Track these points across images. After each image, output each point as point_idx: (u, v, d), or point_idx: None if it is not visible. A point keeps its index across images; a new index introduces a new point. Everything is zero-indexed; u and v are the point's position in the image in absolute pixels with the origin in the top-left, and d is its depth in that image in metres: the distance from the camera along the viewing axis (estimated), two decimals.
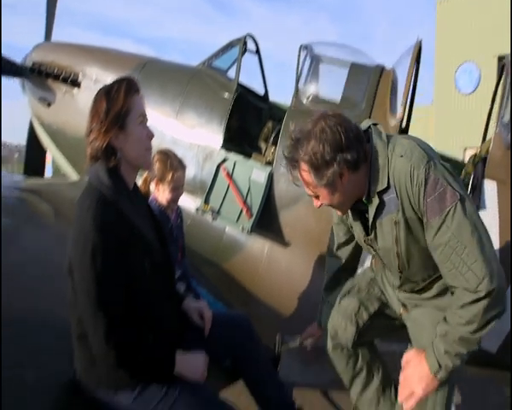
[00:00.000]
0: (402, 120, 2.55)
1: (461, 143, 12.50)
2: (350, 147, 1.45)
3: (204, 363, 1.64)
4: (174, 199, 2.30)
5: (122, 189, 1.56)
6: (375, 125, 1.58)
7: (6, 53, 4.28)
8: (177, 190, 2.29)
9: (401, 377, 1.51)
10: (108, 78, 3.51)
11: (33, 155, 4.87)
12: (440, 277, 1.56)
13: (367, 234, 1.62)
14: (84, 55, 3.81)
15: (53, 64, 3.90)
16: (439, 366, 1.45)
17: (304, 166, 1.49)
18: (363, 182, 1.53)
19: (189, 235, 2.89)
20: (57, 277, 2.02)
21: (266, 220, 2.78)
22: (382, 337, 1.93)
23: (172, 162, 2.27)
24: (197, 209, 2.87)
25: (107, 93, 1.55)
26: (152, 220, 1.72)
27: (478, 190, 2.37)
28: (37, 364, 1.65)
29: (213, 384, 1.89)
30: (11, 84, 4.64)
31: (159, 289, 1.63)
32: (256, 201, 2.75)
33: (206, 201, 2.87)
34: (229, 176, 2.84)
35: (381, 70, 2.69)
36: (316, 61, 2.90)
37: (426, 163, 1.41)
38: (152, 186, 2.34)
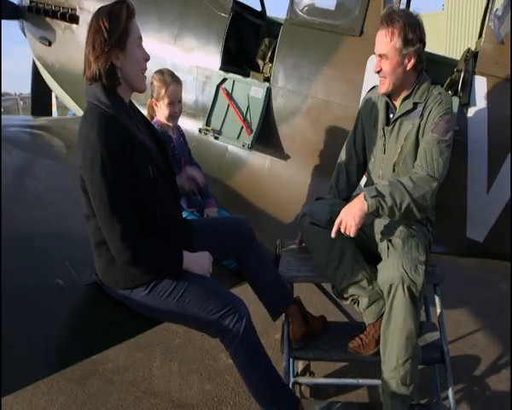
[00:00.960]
0: None
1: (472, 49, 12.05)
2: (424, 48, 1.97)
3: (209, 260, 1.83)
4: (172, 114, 2.41)
5: (119, 105, 1.69)
6: None
7: None
8: (173, 105, 2.39)
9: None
10: None
11: (39, 98, 4.97)
12: None
13: (387, 124, 2.07)
14: None
15: (50, 1, 3.89)
16: (376, 191, 1.85)
17: (398, 27, 1.90)
18: (408, 85, 1.99)
19: (194, 156, 3.06)
20: (73, 201, 2.24)
21: (266, 135, 2.88)
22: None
23: (166, 78, 2.38)
24: (200, 130, 2.98)
25: (109, 14, 1.65)
26: (150, 132, 1.86)
27: (468, 86, 2.40)
28: (65, 272, 1.88)
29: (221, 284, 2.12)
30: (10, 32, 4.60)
31: (164, 193, 1.80)
32: (255, 117, 2.83)
33: (208, 122, 2.97)
34: (229, 95, 2.92)
35: None
36: None
37: (450, 106, 1.98)
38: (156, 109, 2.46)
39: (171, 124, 2.45)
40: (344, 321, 2.42)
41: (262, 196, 2.94)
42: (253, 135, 2.82)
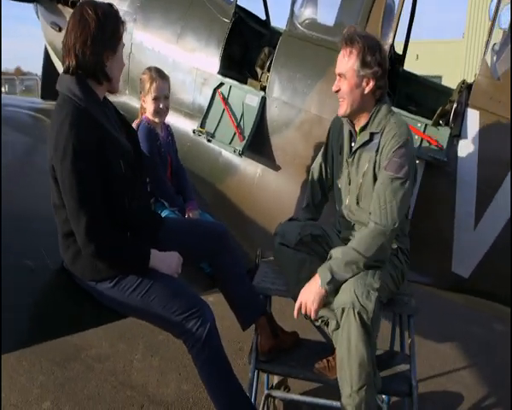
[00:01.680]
0: (392, 46, 2.55)
1: None
2: (384, 74, 1.91)
3: (177, 260, 1.84)
4: (157, 109, 2.43)
5: (93, 100, 1.71)
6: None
7: None
8: (158, 100, 2.42)
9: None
10: (114, 2, 3.54)
11: (49, 81, 5.02)
12: None
13: (349, 156, 2.02)
14: None
15: None
16: (331, 273, 1.81)
17: (357, 48, 1.87)
18: (366, 110, 1.93)
19: (188, 156, 3.06)
20: None
21: (259, 144, 2.88)
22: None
23: (152, 74, 2.43)
24: (194, 131, 2.99)
25: (108, 13, 1.68)
26: (124, 127, 1.87)
27: (460, 118, 2.37)
28: (38, 255, 1.92)
29: (193, 287, 2.13)
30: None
31: (134, 189, 1.81)
32: (248, 124, 2.83)
33: (203, 124, 2.98)
34: (225, 100, 2.93)
35: None
36: None
37: (405, 139, 1.87)
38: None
39: (157, 120, 2.47)
40: (317, 340, 2.40)
41: (251, 204, 2.95)
42: (244, 142, 2.82)
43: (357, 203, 2.04)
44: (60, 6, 3.97)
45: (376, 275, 1.83)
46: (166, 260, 1.81)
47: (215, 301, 2.14)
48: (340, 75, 1.95)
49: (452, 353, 3.39)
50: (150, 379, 2.82)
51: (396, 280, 1.99)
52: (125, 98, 3.43)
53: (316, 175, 2.29)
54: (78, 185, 1.60)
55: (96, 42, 1.65)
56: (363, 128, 1.97)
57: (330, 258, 1.89)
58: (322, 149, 2.29)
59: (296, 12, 2.82)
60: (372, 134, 1.94)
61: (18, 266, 1.86)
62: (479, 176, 2.35)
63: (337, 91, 1.96)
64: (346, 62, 1.91)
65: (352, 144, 2.02)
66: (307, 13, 2.86)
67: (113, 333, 3.19)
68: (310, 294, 1.85)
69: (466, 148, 2.38)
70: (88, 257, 1.69)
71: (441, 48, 15.15)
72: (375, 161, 1.92)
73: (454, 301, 3.01)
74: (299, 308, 1.89)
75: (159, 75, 2.44)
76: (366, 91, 1.91)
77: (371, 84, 1.89)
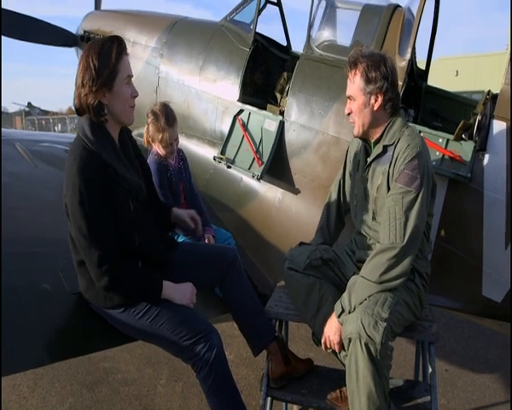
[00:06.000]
0: (410, 61, 2.48)
1: None
2: (392, 86, 1.88)
3: (191, 291, 1.85)
4: (169, 153, 2.48)
5: (106, 141, 1.72)
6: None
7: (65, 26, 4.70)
8: (169, 146, 2.45)
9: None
10: (143, 39, 3.73)
11: None
12: None
13: (364, 170, 2.00)
14: (123, 20, 4.07)
15: (98, 31, 4.20)
16: (341, 307, 1.80)
17: (360, 68, 1.88)
18: (380, 125, 1.91)
19: (211, 182, 3.12)
20: None
21: (278, 168, 2.86)
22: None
23: (160, 124, 2.40)
24: (214, 158, 3.03)
25: (99, 52, 1.67)
26: (138, 164, 1.90)
27: (485, 130, 2.23)
28: (56, 278, 2.01)
29: (207, 311, 2.12)
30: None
31: (144, 225, 1.83)
32: (267, 149, 2.83)
33: (223, 151, 3.01)
34: (244, 126, 2.95)
35: (392, 10, 2.59)
36: (330, 6, 2.86)
37: (418, 150, 1.82)
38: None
39: (169, 158, 2.51)
40: (332, 367, 2.28)
41: (271, 228, 2.91)
42: (263, 166, 2.82)
43: (374, 218, 1.97)
44: None
45: (386, 304, 1.73)
46: (181, 291, 1.82)
47: None
48: (349, 98, 1.95)
49: (492, 385, 3.11)
50: (173, 404, 2.84)
51: (412, 307, 1.87)
52: None
53: (333, 197, 2.25)
54: (88, 226, 1.64)
55: (88, 83, 1.66)
56: (377, 141, 1.94)
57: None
58: (340, 171, 2.25)
59: (313, 35, 2.82)
60: (386, 147, 1.91)
61: (35, 288, 1.94)
62: (508, 191, 2.18)
63: (349, 114, 1.96)
64: (352, 84, 1.91)
65: (368, 159, 1.99)
66: (324, 35, 2.86)
67: (141, 357, 3.27)
68: (331, 329, 1.86)
69: (492, 162, 2.22)
70: (100, 289, 1.73)
71: (483, 62, 14.59)
72: (389, 174, 1.88)
73: (490, 327, 2.75)
74: (325, 343, 1.89)
75: (168, 125, 2.39)
76: (376, 108, 1.90)
77: (380, 99, 1.88)
